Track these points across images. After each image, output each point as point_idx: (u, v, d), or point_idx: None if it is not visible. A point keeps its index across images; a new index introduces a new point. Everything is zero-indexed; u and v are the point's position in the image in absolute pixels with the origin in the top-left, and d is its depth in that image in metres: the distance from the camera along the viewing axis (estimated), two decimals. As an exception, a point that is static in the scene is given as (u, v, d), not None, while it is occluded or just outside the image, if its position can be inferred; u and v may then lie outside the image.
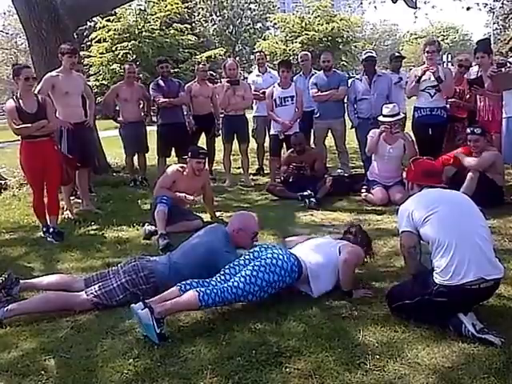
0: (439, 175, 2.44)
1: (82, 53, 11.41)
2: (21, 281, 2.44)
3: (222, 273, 2.23)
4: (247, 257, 2.29)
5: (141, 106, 5.44)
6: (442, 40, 35.97)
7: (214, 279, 2.20)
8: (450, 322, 1.94)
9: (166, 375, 1.76)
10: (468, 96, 4.33)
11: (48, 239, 3.50)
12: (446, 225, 1.99)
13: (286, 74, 4.89)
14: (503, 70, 3.74)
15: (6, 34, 27.89)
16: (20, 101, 3.37)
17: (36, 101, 3.44)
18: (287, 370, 1.76)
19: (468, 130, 3.85)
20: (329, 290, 2.34)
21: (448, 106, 4.40)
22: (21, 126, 3.32)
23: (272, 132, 5.09)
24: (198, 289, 2.07)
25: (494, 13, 27.09)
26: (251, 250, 2.34)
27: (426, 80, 4.28)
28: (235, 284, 2.11)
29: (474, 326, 1.89)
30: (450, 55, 22.36)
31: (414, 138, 4.43)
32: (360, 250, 2.42)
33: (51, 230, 3.56)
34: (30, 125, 3.34)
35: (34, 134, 3.38)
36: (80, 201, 4.41)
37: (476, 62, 4.23)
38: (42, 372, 1.83)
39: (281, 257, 2.24)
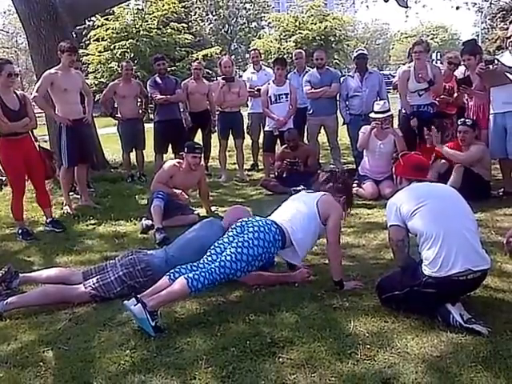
0: (427, 169, 2.42)
1: (80, 51, 11.31)
2: (20, 274, 2.41)
3: (208, 254, 2.19)
4: (230, 233, 2.24)
5: (138, 103, 5.39)
6: (432, 39, 35.99)
7: (201, 261, 2.16)
8: (439, 312, 1.94)
9: (162, 366, 1.75)
10: (456, 95, 4.33)
11: (46, 228, 3.51)
12: (434, 218, 1.98)
13: (281, 71, 4.87)
14: (491, 67, 3.72)
15: (7, 33, 27.49)
16: (2, 97, 3.26)
17: (17, 97, 3.35)
18: (280, 359, 1.75)
19: (460, 121, 3.85)
20: (311, 247, 2.39)
21: (437, 102, 4.39)
22: (6, 124, 3.23)
23: (266, 128, 5.07)
24: (186, 275, 2.03)
25: (482, 12, 27.11)
26: (233, 226, 2.28)
27: (417, 85, 4.25)
28: (222, 264, 2.08)
29: (461, 316, 1.89)
30: (439, 54, 22.35)
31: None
32: (336, 206, 2.34)
33: (48, 220, 3.54)
34: (15, 123, 3.26)
35: (17, 131, 3.30)
36: (79, 196, 4.37)
37: (463, 64, 4.23)
38: (41, 363, 1.81)
39: (262, 229, 2.18)
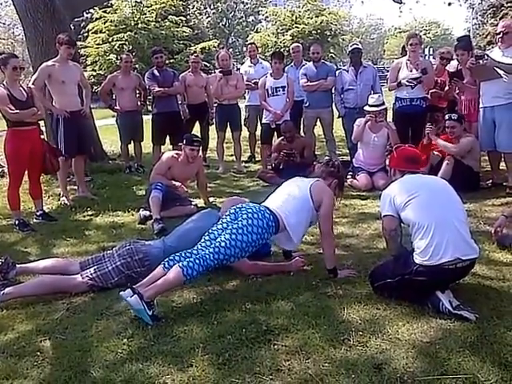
0: (420, 162, 2.42)
1: (78, 43, 11.09)
2: (17, 265, 2.38)
3: (202, 240, 2.17)
4: (225, 220, 2.21)
5: (137, 95, 5.32)
6: (425, 34, 35.79)
7: (195, 248, 2.13)
8: (429, 299, 1.95)
9: (159, 354, 1.74)
10: (447, 88, 4.31)
11: (35, 221, 3.47)
12: (426, 208, 1.99)
13: (278, 65, 4.83)
14: (481, 62, 3.70)
15: (3, 24, 26.93)
16: (9, 89, 3.24)
17: (23, 90, 3.34)
18: (275, 346, 1.74)
19: (446, 117, 3.86)
20: (305, 232, 2.38)
21: (429, 96, 4.38)
22: (15, 112, 3.20)
23: (264, 121, 5.04)
24: (180, 264, 2.00)
25: (473, 8, 26.97)
26: (227, 213, 2.25)
27: (409, 73, 4.23)
28: (216, 250, 2.05)
29: (450, 303, 1.89)
30: (431, 49, 22.25)
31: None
32: (328, 192, 2.34)
33: (39, 212, 3.50)
34: (25, 111, 3.23)
35: (25, 120, 3.26)
36: (76, 187, 4.31)
37: (456, 58, 4.22)
38: (38, 353, 1.79)
39: (255, 215, 2.16)
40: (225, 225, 2.18)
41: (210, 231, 2.19)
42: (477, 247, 2.01)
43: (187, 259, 2.03)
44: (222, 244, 2.07)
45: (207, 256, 2.04)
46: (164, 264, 2.07)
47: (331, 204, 2.33)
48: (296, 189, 2.37)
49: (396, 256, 2.11)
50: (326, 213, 2.30)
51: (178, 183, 3.59)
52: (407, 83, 4.24)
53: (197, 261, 2.01)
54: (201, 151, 4.01)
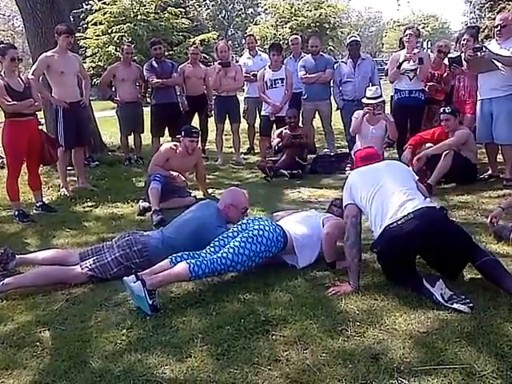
0: (375, 157, 2.43)
1: (78, 35, 10.92)
2: (17, 256, 2.35)
3: (211, 245, 2.18)
4: (235, 229, 2.24)
5: (137, 86, 5.26)
6: (423, 28, 35.39)
7: (204, 251, 2.14)
8: (422, 293, 1.92)
9: (158, 344, 1.72)
10: (446, 74, 4.27)
11: (35, 212, 3.43)
12: (367, 183, 2.10)
13: (277, 57, 4.78)
14: (479, 54, 3.66)
15: (3, 15, 26.53)
16: (7, 79, 3.18)
17: (21, 80, 3.28)
18: (274, 337, 1.73)
19: (441, 110, 3.83)
20: (313, 261, 2.31)
21: (427, 89, 4.35)
22: (12, 103, 3.14)
23: (263, 113, 5.01)
24: (188, 260, 2.01)
25: (471, 2, 26.70)
26: (239, 223, 2.29)
27: (406, 64, 4.22)
28: (224, 255, 2.07)
29: (442, 295, 1.86)
30: (429, 42, 22.05)
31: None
32: (342, 222, 2.36)
33: (39, 203, 3.47)
34: (21, 102, 3.18)
35: (22, 111, 3.21)
36: (76, 179, 4.27)
37: (462, 43, 4.18)
38: (38, 343, 1.77)
39: (267, 228, 2.20)
40: (235, 233, 2.20)
41: (220, 238, 2.21)
42: (429, 201, 2.04)
43: (195, 259, 2.04)
44: (231, 250, 2.08)
45: (215, 259, 2.05)
46: (171, 259, 2.07)
47: (340, 230, 2.28)
48: (309, 216, 2.44)
49: (352, 243, 2.09)
50: (335, 222, 2.31)
51: (175, 173, 3.56)
52: (406, 73, 4.22)
53: (204, 261, 2.02)
54: (200, 143, 4.00)
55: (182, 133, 3.59)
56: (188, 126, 3.90)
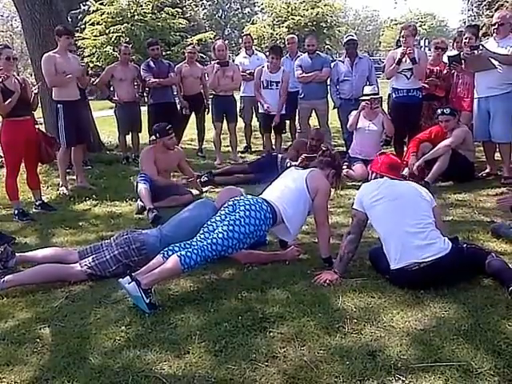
0: (399, 168, 2.46)
1: (76, 35, 10.86)
2: (17, 254, 2.35)
3: (201, 232, 2.15)
4: (223, 212, 2.19)
5: (135, 86, 5.24)
6: (420, 26, 35.38)
7: (194, 239, 2.11)
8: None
9: (156, 341, 1.72)
10: (445, 72, 4.27)
11: (34, 210, 3.43)
12: (380, 219, 2.13)
13: (276, 61, 4.80)
14: (476, 52, 3.66)
15: (1, 16, 26.41)
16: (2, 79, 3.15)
17: (18, 81, 3.27)
18: (271, 334, 1.74)
19: (439, 111, 3.81)
20: (303, 223, 2.35)
21: (426, 85, 4.34)
22: (9, 100, 3.13)
23: (260, 111, 5.01)
24: (178, 253, 1.98)
25: (468, 0, 26.68)
26: (225, 206, 2.23)
27: (403, 62, 4.20)
28: (214, 241, 2.04)
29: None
30: (427, 40, 22.06)
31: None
32: (324, 182, 2.33)
33: (38, 202, 3.47)
34: (10, 99, 3.13)
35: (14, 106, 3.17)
36: (74, 177, 4.27)
37: (464, 41, 4.14)
38: (37, 340, 1.78)
39: (253, 207, 2.14)
40: (223, 217, 2.16)
41: (209, 223, 2.17)
42: (443, 246, 1.98)
43: (185, 249, 2.02)
44: (220, 235, 2.05)
45: (205, 247, 2.02)
46: (163, 253, 2.05)
47: (326, 194, 2.32)
48: (292, 181, 2.35)
49: (353, 238, 2.16)
50: (320, 203, 2.28)
51: (174, 179, 3.60)
52: (403, 73, 4.20)
53: (195, 251, 1.99)
54: (197, 142, 3.99)
55: (157, 135, 3.60)
56: (159, 125, 3.73)
